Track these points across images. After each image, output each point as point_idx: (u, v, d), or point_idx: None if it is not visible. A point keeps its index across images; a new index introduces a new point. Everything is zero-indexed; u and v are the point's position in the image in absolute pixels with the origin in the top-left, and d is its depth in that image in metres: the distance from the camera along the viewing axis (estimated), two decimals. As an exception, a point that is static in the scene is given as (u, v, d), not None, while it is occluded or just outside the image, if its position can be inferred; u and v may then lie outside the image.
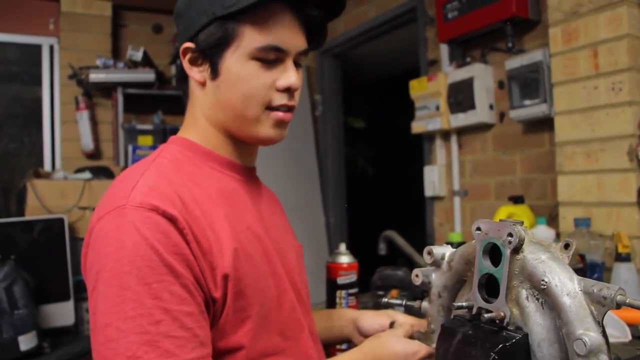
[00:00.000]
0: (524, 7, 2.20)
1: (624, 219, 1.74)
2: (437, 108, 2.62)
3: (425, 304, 0.79)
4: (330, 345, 1.24)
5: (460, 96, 2.49)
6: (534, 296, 0.62)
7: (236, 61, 0.88)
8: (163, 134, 3.44)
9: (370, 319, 1.14)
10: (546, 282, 0.60)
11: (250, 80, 0.89)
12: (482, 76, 2.43)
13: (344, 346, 1.28)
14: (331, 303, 1.38)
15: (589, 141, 1.82)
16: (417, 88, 2.72)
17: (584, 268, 1.67)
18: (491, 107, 2.45)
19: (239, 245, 0.84)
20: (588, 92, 1.82)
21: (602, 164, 1.79)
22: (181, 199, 0.81)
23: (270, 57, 0.89)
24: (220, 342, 0.82)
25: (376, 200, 5.62)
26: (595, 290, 0.58)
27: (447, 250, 0.75)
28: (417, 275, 0.78)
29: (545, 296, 0.61)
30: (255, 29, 0.87)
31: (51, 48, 3.56)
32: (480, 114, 2.43)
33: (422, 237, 2.94)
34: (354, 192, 4.32)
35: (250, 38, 0.87)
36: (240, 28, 0.87)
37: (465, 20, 2.41)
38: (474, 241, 0.68)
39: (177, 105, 3.64)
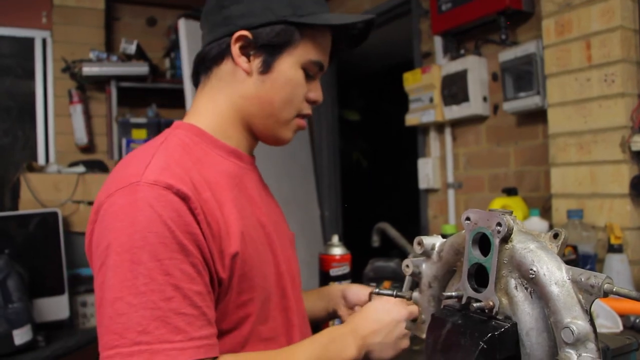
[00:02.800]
0: (518, -2, 2.20)
1: (616, 210, 1.75)
2: (431, 100, 2.62)
3: (416, 294, 0.79)
4: (322, 323, 1.24)
5: (454, 88, 2.49)
6: (523, 285, 0.62)
7: (290, 66, 0.94)
8: (157, 127, 3.43)
9: (356, 289, 1.17)
10: (534, 271, 0.60)
11: (296, 86, 0.96)
12: (476, 68, 2.43)
13: (336, 322, 1.27)
14: (324, 295, 1.38)
15: (582, 133, 1.83)
16: (411, 80, 2.72)
17: (577, 259, 1.68)
18: (485, 99, 2.46)
19: (244, 229, 0.87)
20: (581, 84, 1.82)
21: (595, 156, 1.79)
22: (192, 180, 0.82)
23: (312, 71, 0.98)
24: (223, 323, 0.84)
25: (371, 193, 5.62)
26: (583, 279, 0.58)
27: (437, 241, 0.75)
28: (407, 266, 0.78)
29: (534, 285, 0.61)
30: (313, 44, 0.96)
31: (44, 41, 3.54)
32: (474, 106, 2.43)
33: (416, 230, 2.94)
34: (348, 185, 4.33)
35: (307, 50, 0.95)
36: (302, 38, 0.94)
37: (458, 12, 2.41)
38: (463, 231, 0.68)
39: (171, 98, 3.63)
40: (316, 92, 1.00)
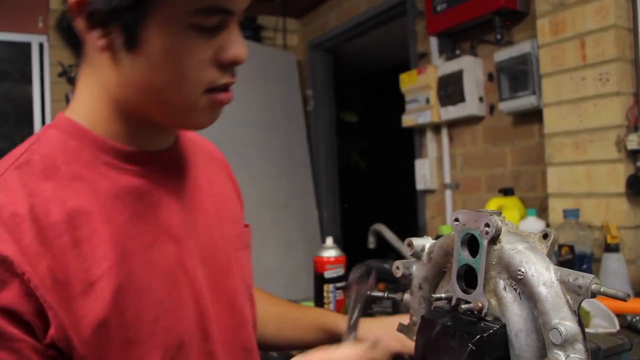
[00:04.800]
0: (512, -2, 2.20)
1: (612, 209, 1.75)
2: (427, 101, 2.62)
3: (407, 296, 0.79)
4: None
5: (450, 89, 2.49)
6: (512, 286, 0.62)
7: (165, 31, 0.63)
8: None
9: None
10: (523, 272, 0.60)
11: (186, 56, 0.65)
12: (472, 68, 2.43)
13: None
14: (319, 297, 1.38)
15: (578, 132, 1.82)
16: (407, 81, 2.72)
17: (573, 259, 1.68)
18: (481, 99, 2.45)
19: (125, 279, 0.66)
20: (576, 83, 1.82)
21: (591, 155, 1.79)
22: (40, 222, 0.62)
23: (211, 23, 0.65)
24: None
25: (369, 194, 5.62)
26: (570, 280, 0.58)
27: (427, 242, 0.74)
28: (397, 267, 0.77)
29: (522, 286, 0.61)
30: None
31: (41, 46, 3.54)
32: (470, 106, 2.43)
33: (415, 231, 2.94)
34: (347, 186, 4.32)
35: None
36: None
37: (454, 12, 2.41)
38: (453, 232, 0.68)
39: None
40: (232, 48, 0.67)
